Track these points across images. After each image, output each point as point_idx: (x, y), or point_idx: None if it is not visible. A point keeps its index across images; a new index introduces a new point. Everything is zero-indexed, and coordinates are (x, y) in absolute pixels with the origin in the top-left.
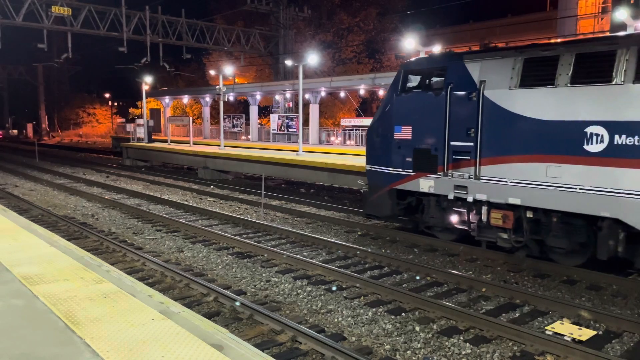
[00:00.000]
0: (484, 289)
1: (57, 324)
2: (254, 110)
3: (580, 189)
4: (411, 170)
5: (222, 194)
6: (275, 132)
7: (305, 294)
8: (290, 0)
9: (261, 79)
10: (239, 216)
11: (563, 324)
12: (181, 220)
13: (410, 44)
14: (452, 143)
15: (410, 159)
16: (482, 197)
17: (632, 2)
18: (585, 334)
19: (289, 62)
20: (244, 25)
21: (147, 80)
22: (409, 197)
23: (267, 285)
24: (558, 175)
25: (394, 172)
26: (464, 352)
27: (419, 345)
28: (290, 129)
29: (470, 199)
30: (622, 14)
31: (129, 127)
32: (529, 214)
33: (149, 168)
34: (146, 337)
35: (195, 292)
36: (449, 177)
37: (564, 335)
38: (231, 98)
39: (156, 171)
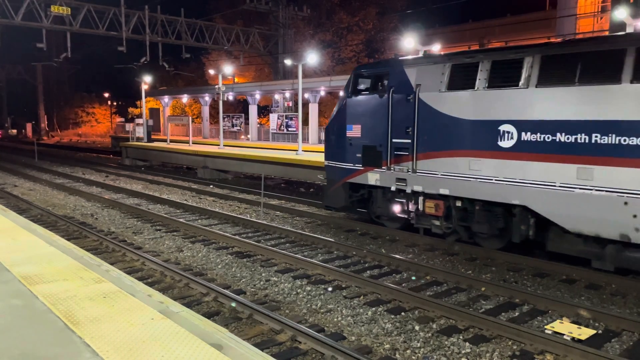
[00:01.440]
0: (483, 288)
1: (56, 324)
2: (253, 110)
3: (496, 180)
4: (361, 165)
5: (221, 193)
6: (275, 131)
7: (304, 293)
8: (290, 0)
9: (260, 78)
10: (239, 216)
11: (562, 323)
12: (181, 220)
13: (410, 43)
14: (394, 140)
15: (359, 155)
16: (418, 188)
17: (631, 1)
18: (585, 333)
19: (288, 62)
20: (243, 25)
21: (147, 80)
22: (361, 190)
23: (267, 285)
24: (478, 168)
25: (347, 167)
26: (463, 352)
27: (418, 345)
28: (289, 129)
29: (409, 190)
30: (621, 13)
31: (128, 126)
32: (457, 203)
33: (149, 168)
34: (146, 337)
35: (195, 291)
36: (392, 171)
37: (564, 334)
38: (230, 97)
39: (155, 171)
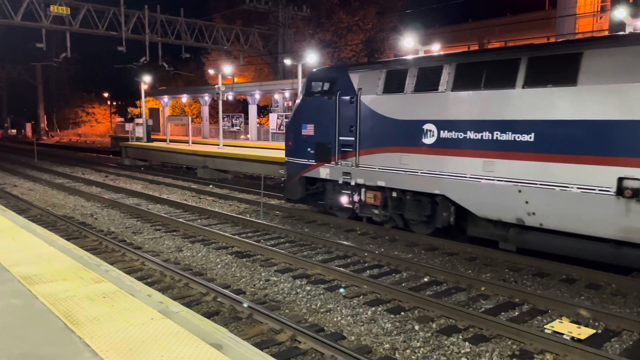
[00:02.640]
0: (483, 288)
1: (56, 324)
2: (253, 110)
3: (421, 172)
4: (314, 161)
5: (221, 193)
6: (275, 131)
7: (304, 293)
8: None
9: (260, 78)
10: (238, 215)
11: (562, 322)
12: (180, 220)
13: (409, 43)
14: (340, 138)
15: (313, 152)
16: (360, 181)
17: (630, 1)
18: (585, 332)
19: (288, 62)
20: (242, 25)
21: (146, 80)
22: (316, 183)
23: (267, 285)
24: (408, 162)
25: (303, 162)
26: (463, 351)
27: (418, 344)
28: None
29: (353, 182)
30: (620, 12)
31: (128, 126)
32: (393, 194)
33: (148, 167)
34: (145, 337)
35: (195, 291)
36: (339, 166)
37: (563, 334)
38: (230, 97)
39: (155, 170)
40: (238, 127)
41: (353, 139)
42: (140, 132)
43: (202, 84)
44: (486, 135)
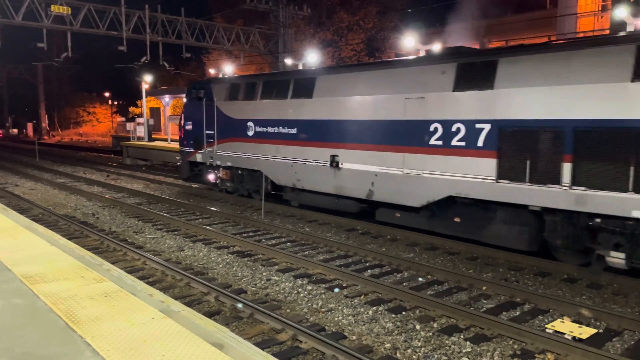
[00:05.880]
0: (484, 288)
1: (57, 323)
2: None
3: (248, 155)
4: (193, 149)
5: (224, 193)
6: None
7: (305, 292)
8: None
9: None
10: (240, 215)
11: (563, 322)
12: (182, 219)
13: (410, 42)
14: (206, 132)
15: (192, 142)
16: (218, 162)
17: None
18: (586, 332)
19: (288, 61)
20: (243, 24)
21: (147, 79)
22: (199, 165)
23: (268, 284)
24: (242, 149)
25: (188, 150)
26: (464, 351)
27: (419, 344)
28: None
29: (214, 164)
30: (621, 12)
31: (129, 126)
32: (238, 171)
33: (149, 167)
34: (147, 336)
35: (196, 291)
36: (206, 152)
37: (565, 334)
38: None
39: (156, 170)
40: None
41: (213, 132)
42: (141, 131)
43: None
44: (276, 130)
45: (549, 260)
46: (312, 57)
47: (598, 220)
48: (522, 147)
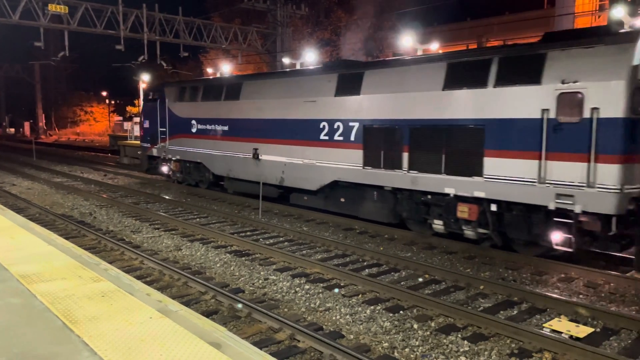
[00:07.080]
0: (482, 287)
1: (55, 323)
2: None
3: (191, 149)
4: (150, 144)
5: (220, 192)
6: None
7: (303, 292)
8: None
9: None
10: (237, 214)
11: (561, 321)
12: (179, 219)
13: (408, 41)
14: (160, 129)
15: (150, 138)
16: (169, 156)
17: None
18: (583, 331)
19: (286, 60)
20: (241, 23)
21: (145, 78)
22: (156, 159)
23: (265, 284)
24: (187, 144)
25: (146, 145)
26: (462, 350)
27: (417, 343)
28: None
29: (167, 157)
30: (619, 11)
31: (127, 125)
32: (186, 163)
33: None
34: (144, 336)
35: (194, 290)
36: (160, 147)
37: (562, 333)
38: None
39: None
40: None
41: (165, 129)
42: (138, 130)
43: None
44: (213, 127)
45: (546, 260)
46: (310, 56)
47: (429, 196)
48: (378, 140)
